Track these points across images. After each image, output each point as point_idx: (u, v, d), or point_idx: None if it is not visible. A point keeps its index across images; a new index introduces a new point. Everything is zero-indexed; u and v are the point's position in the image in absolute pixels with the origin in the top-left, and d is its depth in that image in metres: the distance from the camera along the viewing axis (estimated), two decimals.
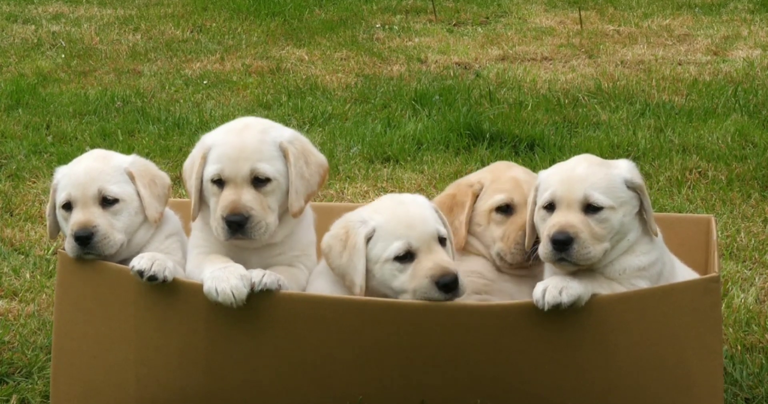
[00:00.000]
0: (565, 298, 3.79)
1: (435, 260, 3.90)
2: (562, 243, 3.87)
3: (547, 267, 4.08)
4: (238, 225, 3.95)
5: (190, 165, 4.15)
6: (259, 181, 4.02)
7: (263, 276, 3.89)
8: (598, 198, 3.95)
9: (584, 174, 3.99)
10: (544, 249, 3.93)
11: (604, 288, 3.92)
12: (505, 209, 4.28)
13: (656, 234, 4.02)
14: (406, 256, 3.94)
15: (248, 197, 3.98)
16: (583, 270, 3.96)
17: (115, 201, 4.17)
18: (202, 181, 4.09)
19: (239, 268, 3.93)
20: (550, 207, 3.99)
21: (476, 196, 4.32)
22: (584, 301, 3.83)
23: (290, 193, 4.04)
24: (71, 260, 4.11)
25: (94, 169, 4.19)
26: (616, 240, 3.97)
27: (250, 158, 4.01)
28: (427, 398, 3.92)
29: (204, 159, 4.07)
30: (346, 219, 4.08)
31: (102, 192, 4.16)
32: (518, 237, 4.21)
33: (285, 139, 4.07)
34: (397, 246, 3.93)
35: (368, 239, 3.98)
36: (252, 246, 4.08)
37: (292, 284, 4.04)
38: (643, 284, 3.97)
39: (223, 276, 3.88)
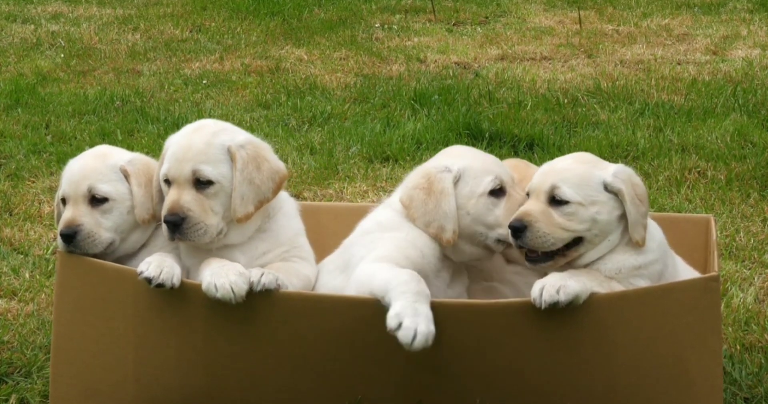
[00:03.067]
0: (563, 297, 3.79)
1: (520, 201, 4.06)
2: (516, 230, 3.95)
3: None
4: (174, 225, 3.96)
5: None
6: (200, 183, 4.01)
7: (261, 275, 3.89)
8: (564, 191, 3.96)
9: (561, 167, 4.03)
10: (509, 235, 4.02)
11: (603, 287, 3.92)
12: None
13: (640, 244, 3.97)
14: (498, 191, 4.11)
15: (187, 198, 3.98)
16: (581, 268, 3.98)
17: (105, 200, 4.18)
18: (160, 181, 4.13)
19: (237, 266, 3.93)
20: (528, 195, 4.06)
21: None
22: (582, 300, 3.83)
23: (233, 198, 4.01)
24: (70, 260, 4.11)
25: (87, 167, 4.21)
26: (595, 237, 3.98)
27: (192, 159, 4.01)
28: (426, 397, 3.92)
29: (162, 158, 4.11)
30: (424, 170, 4.15)
31: (92, 190, 4.17)
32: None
33: (235, 143, 4.04)
34: (490, 180, 4.10)
35: (456, 182, 4.09)
36: (200, 247, 4.06)
37: (293, 279, 4.03)
38: (642, 283, 3.97)
39: (222, 273, 3.88)
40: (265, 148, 4.13)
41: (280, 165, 4.13)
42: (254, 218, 4.09)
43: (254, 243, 4.13)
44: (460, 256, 4.15)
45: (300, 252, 4.18)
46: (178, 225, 3.96)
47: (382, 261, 3.95)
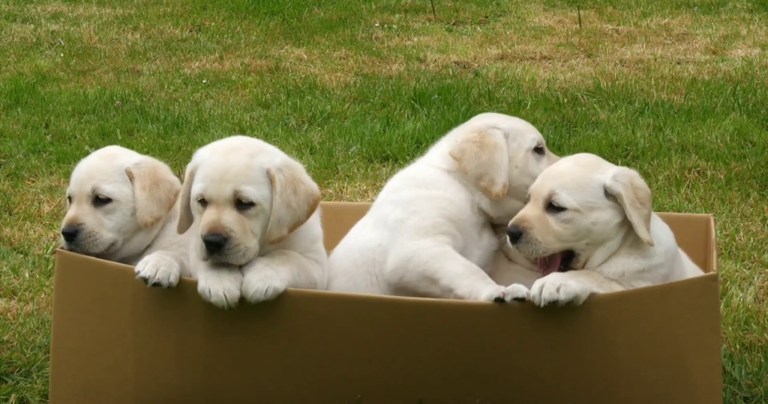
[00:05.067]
0: (563, 296, 3.79)
1: (556, 160, 4.25)
2: (512, 235, 3.98)
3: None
4: (215, 246, 3.87)
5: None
6: (242, 204, 3.93)
7: (255, 290, 3.85)
8: (562, 197, 3.96)
9: (560, 171, 4.02)
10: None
11: (603, 288, 3.92)
12: None
13: (650, 245, 3.97)
14: (540, 149, 4.33)
15: (229, 218, 3.90)
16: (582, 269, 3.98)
17: (108, 200, 4.19)
18: (189, 198, 4.03)
19: (234, 271, 3.91)
20: (528, 198, 4.08)
21: None
22: (582, 300, 3.83)
23: (271, 221, 3.94)
24: (70, 259, 4.11)
25: (94, 167, 4.23)
26: (587, 246, 3.97)
27: (233, 180, 3.92)
28: (426, 397, 3.92)
29: (191, 176, 4.01)
30: (472, 126, 4.31)
31: (95, 190, 4.18)
32: None
33: (273, 166, 3.97)
34: (533, 138, 4.31)
35: (505, 138, 4.26)
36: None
37: (302, 276, 4.00)
38: (643, 286, 3.96)
39: (216, 279, 3.87)
40: (300, 170, 4.06)
41: (314, 187, 4.06)
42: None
43: (270, 249, 4.07)
44: (500, 211, 4.26)
45: (315, 255, 4.14)
46: (219, 245, 3.87)
47: (429, 234, 4.08)
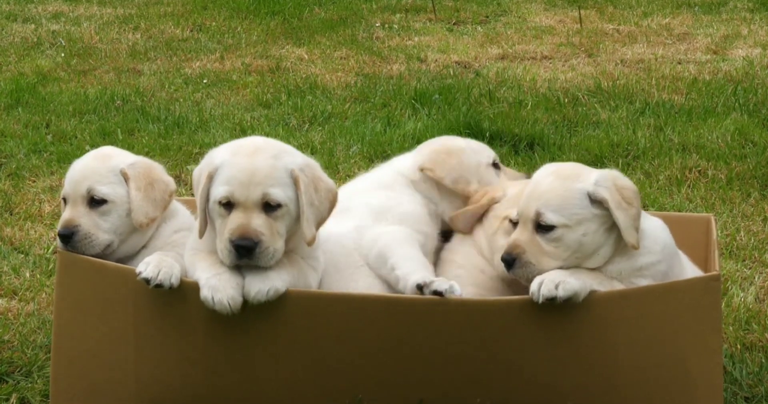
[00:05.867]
0: (561, 292, 3.79)
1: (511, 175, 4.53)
2: (507, 263, 3.99)
3: None
4: (246, 250, 3.85)
5: (197, 179, 4.05)
6: (269, 207, 3.91)
7: (257, 291, 3.86)
8: (549, 217, 3.94)
9: (543, 190, 3.98)
10: (499, 266, 4.10)
11: (603, 286, 3.91)
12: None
13: (636, 247, 3.93)
14: (497, 165, 4.60)
15: (258, 222, 3.88)
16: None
17: (103, 201, 4.18)
18: (208, 200, 3.98)
19: (235, 276, 3.90)
20: (516, 223, 4.09)
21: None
22: (581, 298, 3.83)
23: (302, 221, 3.93)
24: (71, 260, 4.11)
25: (88, 168, 4.22)
26: (582, 257, 3.97)
27: (261, 183, 3.89)
28: (426, 396, 3.92)
29: (210, 178, 3.96)
30: (432, 143, 4.60)
31: (90, 192, 4.18)
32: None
33: (296, 166, 3.95)
34: (491, 154, 4.59)
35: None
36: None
37: (300, 281, 4.00)
38: (644, 283, 3.96)
39: (219, 286, 3.86)
40: (318, 168, 4.06)
41: (331, 183, 4.06)
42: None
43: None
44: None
45: (313, 262, 4.13)
46: (250, 250, 3.86)
47: (401, 224, 4.27)
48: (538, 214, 3.96)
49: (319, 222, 4.01)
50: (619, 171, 4.11)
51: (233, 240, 3.85)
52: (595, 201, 3.95)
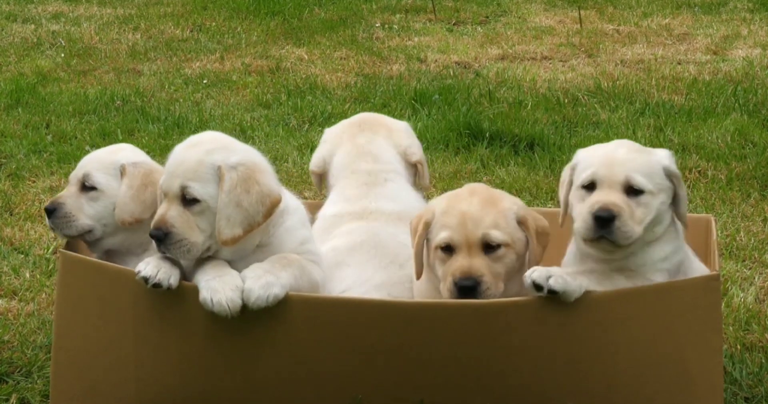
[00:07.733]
0: (553, 283, 3.77)
1: None
2: (605, 221, 3.84)
3: (571, 257, 4.08)
4: (158, 240, 3.92)
5: None
6: (187, 200, 3.95)
7: (257, 297, 3.86)
8: (640, 181, 3.93)
9: (626, 157, 3.98)
10: (584, 226, 3.89)
11: (603, 286, 3.90)
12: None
13: (686, 225, 4.02)
14: None
15: (172, 213, 3.93)
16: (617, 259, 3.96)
17: (93, 188, 4.28)
18: None
19: (235, 278, 3.91)
20: (590, 186, 3.96)
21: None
22: (573, 297, 3.82)
23: (218, 220, 3.93)
24: (72, 260, 4.12)
25: (94, 156, 4.36)
26: (651, 226, 3.95)
27: (182, 175, 3.95)
28: (427, 397, 3.92)
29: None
30: None
31: (85, 176, 4.29)
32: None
33: (226, 164, 3.95)
34: None
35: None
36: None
37: (304, 279, 4.00)
38: (659, 279, 3.95)
39: (218, 288, 3.86)
40: (261, 171, 4.00)
41: (273, 189, 4.00)
42: (247, 238, 4.00)
43: (255, 257, 4.04)
44: None
45: (310, 256, 4.12)
46: (161, 239, 3.92)
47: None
48: (629, 178, 3.92)
49: (250, 225, 3.95)
50: None
51: (150, 231, 3.96)
52: (668, 174, 3.99)
